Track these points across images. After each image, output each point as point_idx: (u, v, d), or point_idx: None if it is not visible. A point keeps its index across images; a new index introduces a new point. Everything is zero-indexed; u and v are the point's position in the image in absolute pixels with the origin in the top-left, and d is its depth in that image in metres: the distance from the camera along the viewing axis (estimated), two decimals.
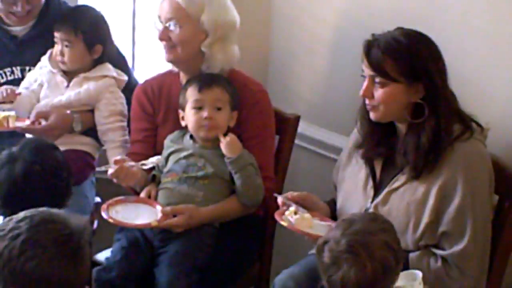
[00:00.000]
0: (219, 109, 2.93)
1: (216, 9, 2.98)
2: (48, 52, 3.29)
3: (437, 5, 3.05)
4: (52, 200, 2.40)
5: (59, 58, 3.22)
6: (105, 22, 3.32)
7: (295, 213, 2.67)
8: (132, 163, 2.91)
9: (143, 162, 2.93)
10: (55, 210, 2.05)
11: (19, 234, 1.96)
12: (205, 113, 2.92)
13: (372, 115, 2.67)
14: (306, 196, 2.80)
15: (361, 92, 2.65)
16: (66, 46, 3.21)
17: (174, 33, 2.97)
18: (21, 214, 2.02)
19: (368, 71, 2.62)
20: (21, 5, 3.23)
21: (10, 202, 2.51)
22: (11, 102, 3.20)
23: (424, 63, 2.57)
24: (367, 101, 2.66)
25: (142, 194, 2.98)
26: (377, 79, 2.60)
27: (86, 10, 3.33)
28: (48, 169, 2.57)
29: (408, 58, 2.57)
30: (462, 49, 2.94)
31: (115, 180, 2.90)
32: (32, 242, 1.95)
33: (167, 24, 2.97)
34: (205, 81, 2.95)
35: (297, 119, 3.25)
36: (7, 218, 2.04)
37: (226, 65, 3.04)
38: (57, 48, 3.23)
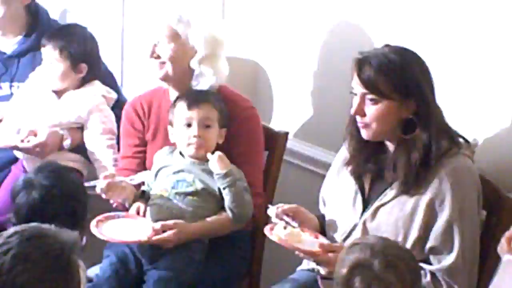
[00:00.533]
0: (208, 126, 2.94)
1: (204, 26, 3.00)
2: (37, 69, 3.29)
3: (423, 20, 3.06)
4: (71, 223, 2.38)
5: (45, 75, 3.23)
6: (93, 41, 3.32)
7: (285, 228, 2.67)
8: (121, 178, 2.91)
9: (132, 177, 2.95)
10: (45, 225, 2.04)
11: (9, 249, 1.94)
12: (194, 131, 2.92)
13: (364, 134, 2.66)
14: (297, 209, 2.80)
15: (352, 110, 2.64)
16: (52, 63, 3.21)
17: (163, 50, 2.98)
18: (11, 230, 2.01)
19: (359, 89, 2.61)
20: None
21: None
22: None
23: (416, 79, 2.58)
24: (358, 119, 2.65)
25: (132, 210, 2.98)
26: (369, 96, 2.59)
27: (73, 28, 3.34)
28: (66, 193, 2.56)
29: (400, 74, 2.57)
30: (448, 64, 2.96)
31: (104, 196, 2.90)
32: (22, 257, 1.93)
33: (156, 42, 2.99)
34: (194, 98, 2.96)
35: (285, 135, 3.26)
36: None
37: (215, 81, 3.04)
38: (47, 65, 3.24)
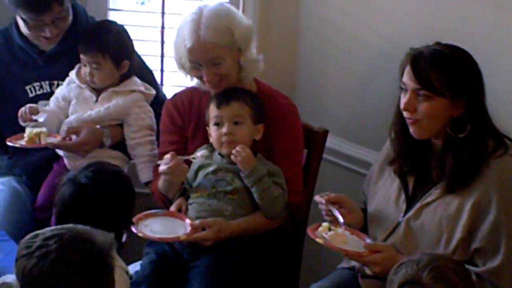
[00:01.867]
0: (238, 123, 2.94)
1: (241, 23, 2.97)
2: (76, 67, 3.31)
3: (469, 21, 3.04)
4: (110, 222, 2.41)
5: (88, 79, 3.24)
6: (128, 36, 3.33)
7: (329, 229, 2.66)
8: (182, 157, 2.92)
9: (193, 156, 2.94)
10: (81, 227, 2.04)
11: (48, 252, 1.95)
12: (224, 129, 2.93)
13: (413, 131, 2.64)
14: (343, 198, 2.80)
15: (402, 105, 2.62)
16: (95, 68, 3.22)
17: (219, 68, 2.95)
18: (48, 231, 2.01)
19: (412, 84, 2.59)
20: (49, 30, 3.25)
21: (62, 223, 2.51)
22: (33, 119, 3.21)
23: (469, 77, 2.56)
24: (407, 115, 2.62)
25: (172, 208, 2.99)
26: (422, 92, 2.57)
27: (108, 27, 3.32)
28: (103, 192, 2.53)
29: (455, 71, 2.55)
30: (494, 65, 2.93)
31: (165, 177, 2.92)
32: (62, 262, 1.94)
33: (207, 65, 2.93)
34: (224, 97, 2.96)
35: (325, 133, 3.25)
36: (33, 234, 2.04)
37: (258, 62, 3.04)
38: (85, 69, 3.24)
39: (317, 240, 2.63)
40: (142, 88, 3.32)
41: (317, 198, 2.79)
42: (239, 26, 2.95)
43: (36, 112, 3.20)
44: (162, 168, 2.89)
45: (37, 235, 2.01)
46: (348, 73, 3.59)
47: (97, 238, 2.01)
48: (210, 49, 2.91)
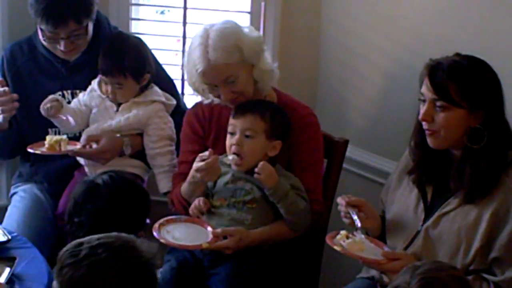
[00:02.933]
0: (250, 137, 2.94)
1: (248, 39, 2.97)
2: (99, 76, 3.33)
3: (492, 33, 3.03)
4: (123, 226, 2.37)
5: (110, 97, 3.26)
6: (146, 48, 3.34)
7: (347, 237, 2.66)
8: (218, 157, 2.93)
9: (224, 159, 2.95)
10: (126, 236, 2.04)
11: (97, 261, 1.96)
12: (234, 139, 2.94)
13: (431, 141, 2.64)
14: (363, 203, 2.80)
15: (420, 116, 2.63)
16: (118, 88, 3.24)
17: (235, 86, 2.96)
18: (94, 240, 2.01)
19: (430, 95, 2.59)
20: (64, 45, 3.27)
21: (71, 220, 2.52)
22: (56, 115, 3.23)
23: (487, 88, 2.56)
24: (426, 126, 2.63)
25: (196, 203, 2.98)
26: (439, 103, 2.57)
27: (126, 45, 3.29)
28: (112, 196, 2.52)
29: (472, 82, 2.55)
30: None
31: (198, 175, 2.91)
32: (113, 271, 1.95)
33: (223, 84, 2.95)
34: (242, 108, 2.97)
35: (345, 143, 3.25)
36: (76, 242, 2.03)
37: (273, 72, 3.04)
38: (106, 87, 3.27)
39: (335, 247, 2.63)
40: (163, 99, 3.33)
41: (339, 199, 2.80)
42: (246, 41, 2.95)
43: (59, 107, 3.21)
44: (198, 164, 2.89)
45: (81, 243, 2.01)
46: (369, 83, 3.59)
47: (143, 248, 2.02)
48: (222, 70, 2.92)
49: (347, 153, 3.30)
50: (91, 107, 3.33)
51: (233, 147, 2.93)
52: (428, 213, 2.71)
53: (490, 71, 2.59)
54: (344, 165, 3.33)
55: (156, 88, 3.35)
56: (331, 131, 3.31)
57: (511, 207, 2.51)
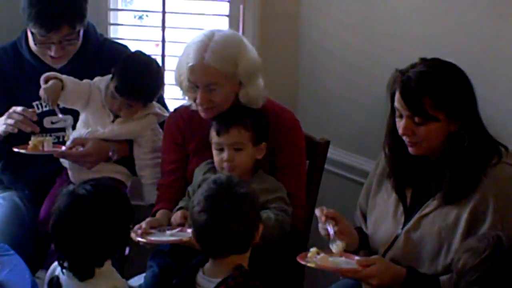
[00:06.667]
0: (239, 150, 2.93)
1: (247, 57, 2.97)
2: (106, 80, 3.29)
3: (471, 32, 3.05)
4: (108, 234, 2.43)
5: (115, 111, 3.25)
6: (162, 74, 3.38)
7: (318, 253, 2.65)
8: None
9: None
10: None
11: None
12: (224, 156, 2.93)
13: (412, 150, 2.64)
14: (339, 218, 2.75)
15: (400, 131, 2.62)
16: (126, 108, 3.24)
17: (214, 95, 2.95)
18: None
19: (405, 112, 2.59)
20: (55, 50, 3.26)
21: (57, 234, 2.52)
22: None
23: (460, 93, 2.57)
24: (407, 139, 2.63)
25: (177, 217, 2.95)
26: (417, 119, 2.57)
27: (148, 70, 3.25)
28: (96, 207, 2.47)
29: (445, 92, 2.55)
30: (489, 74, 2.94)
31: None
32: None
33: (203, 89, 2.94)
34: (224, 123, 2.94)
35: (327, 143, 3.26)
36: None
37: (259, 99, 3.03)
38: (114, 102, 3.24)
39: (309, 264, 2.60)
40: (157, 109, 3.33)
41: (316, 211, 2.78)
42: (245, 59, 2.95)
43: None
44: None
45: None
46: (349, 84, 3.60)
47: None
48: (210, 73, 2.91)
49: (329, 154, 3.30)
50: (88, 97, 3.30)
51: (225, 164, 2.92)
52: (408, 216, 2.72)
53: (459, 73, 2.60)
54: (326, 166, 3.33)
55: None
56: (313, 132, 3.31)
57: (488, 206, 2.52)
